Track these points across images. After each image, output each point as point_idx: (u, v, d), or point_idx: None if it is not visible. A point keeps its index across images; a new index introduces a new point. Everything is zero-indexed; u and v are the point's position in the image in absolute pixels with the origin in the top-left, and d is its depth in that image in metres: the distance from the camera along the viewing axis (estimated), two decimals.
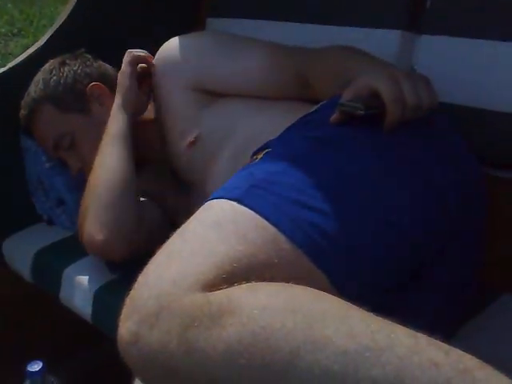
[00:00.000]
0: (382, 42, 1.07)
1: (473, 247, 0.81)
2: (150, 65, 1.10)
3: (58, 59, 1.18)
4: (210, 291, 0.57)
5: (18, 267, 1.21)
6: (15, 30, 3.61)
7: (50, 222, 1.27)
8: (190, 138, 1.04)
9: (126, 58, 1.10)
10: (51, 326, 1.28)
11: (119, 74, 1.10)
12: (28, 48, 1.30)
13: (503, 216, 0.96)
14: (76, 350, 1.28)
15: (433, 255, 0.75)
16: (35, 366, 0.94)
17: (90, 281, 1.06)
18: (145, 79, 1.11)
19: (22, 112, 1.16)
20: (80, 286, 1.07)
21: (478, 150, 0.83)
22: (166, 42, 1.09)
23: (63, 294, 1.10)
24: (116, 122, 1.06)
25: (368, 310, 0.56)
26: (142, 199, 1.08)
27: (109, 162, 1.01)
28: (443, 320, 0.79)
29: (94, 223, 0.96)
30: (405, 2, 1.10)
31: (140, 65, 1.10)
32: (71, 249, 1.15)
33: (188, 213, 0.69)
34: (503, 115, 0.97)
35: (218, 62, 1.04)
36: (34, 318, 1.27)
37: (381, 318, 0.55)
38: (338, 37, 1.00)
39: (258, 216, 0.64)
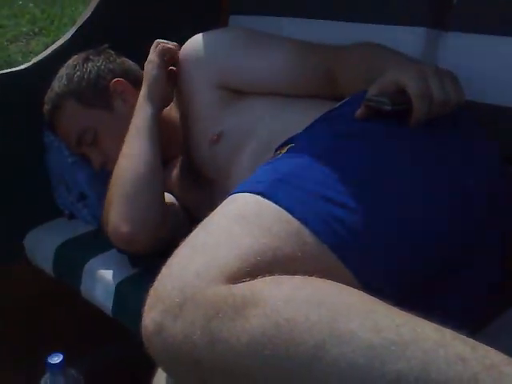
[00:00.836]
0: (407, 39, 1.06)
1: (499, 247, 0.80)
2: (177, 58, 1.10)
3: (82, 55, 1.19)
4: (234, 283, 0.57)
5: (39, 261, 1.22)
6: (37, 29, 3.65)
7: (71, 217, 1.28)
8: (214, 136, 1.04)
9: (155, 48, 1.09)
10: (72, 320, 1.28)
11: (146, 64, 1.09)
12: (49, 47, 1.31)
13: None
14: (96, 343, 1.28)
15: (458, 256, 0.74)
16: (55, 359, 0.95)
17: (111, 275, 1.07)
18: (172, 71, 1.10)
19: (46, 107, 1.17)
20: (101, 280, 1.07)
21: (505, 149, 0.82)
22: (191, 38, 1.09)
23: (84, 288, 1.11)
24: (142, 112, 1.05)
25: (392, 305, 0.56)
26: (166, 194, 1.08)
27: (134, 152, 1.01)
28: (469, 320, 0.78)
29: (119, 214, 0.96)
30: None
31: (168, 55, 1.09)
32: (92, 243, 1.17)
33: (210, 210, 0.69)
34: None
35: (244, 60, 1.04)
36: (56, 312, 1.28)
37: (405, 313, 0.55)
38: (362, 34, 0.99)
39: (282, 209, 0.64)
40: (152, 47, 1.10)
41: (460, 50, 1.05)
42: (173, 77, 1.10)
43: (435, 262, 0.72)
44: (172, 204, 1.10)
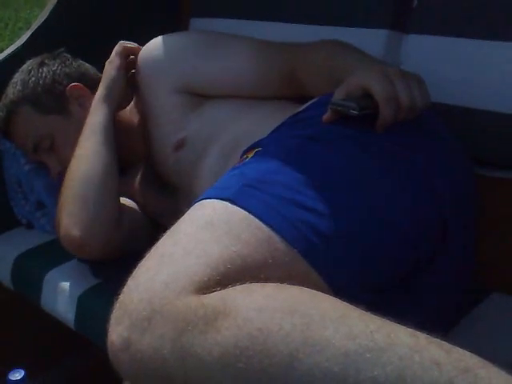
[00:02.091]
0: (369, 41, 1.06)
1: (464, 247, 0.80)
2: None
3: (37, 59, 1.15)
4: (204, 293, 0.56)
5: None
6: None
7: (29, 226, 1.24)
8: (177, 141, 1.02)
9: (117, 49, 1.07)
10: (33, 334, 1.25)
11: (106, 63, 1.08)
12: (3, 51, 1.27)
13: (494, 216, 0.95)
14: (59, 357, 1.25)
15: (426, 258, 0.74)
16: (17, 375, 0.91)
17: (72, 286, 1.03)
18: (132, 73, 1.08)
19: (0, 114, 1.13)
20: (62, 292, 1.04)
21: (469, 149, 0.83)
22: (150, 42, 1.06)
23: (45, 300, 1.07)
24: (97, 113, 1.03)
25: (364, 310, 0.55)
26: (122, 198, 1.05)
27: (86, 154, 0.98)
28: (436, 320, 0.79)
29: (69, 217, 0.93)
30: (391, 1, 1.10)
31: (131, 57, 1.08)
32: (52, 253, 1.13)
33: (174, 216, 0.67)
34: (491, 114, 0.97)
35: (205, 63, 1.02)
36: (15, 326, 1.24)
37: (379, 318, 0.54)
38: (324, 36, 0.98)
39: (251, 216, 0.63)
40: (115, 48, 1.08)
41: (421, 51, 1.06)
42: (133, 78, 1.08)
43: (404, 262, 0.72)
44: (130, 208, 1.07)
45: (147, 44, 1.07)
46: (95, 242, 0.94)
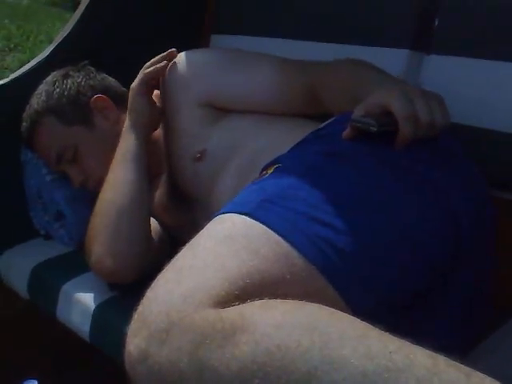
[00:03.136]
0: (390, 60, 1.06)
1: (484, 269, 0.80)
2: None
3: (61, 71, 1.17)
4: (222, 307, 0.55)
5: (13, 283, 1.18)
6: (12, 45, 3.61)
7: (47, 237, 1.25)
8: (197, 154, 1.03)
9: (139, 76, 1.08)
10: (47, 345, 1.24)
11: (130, 91, 1.08)
12: (25, 63, 1.29)
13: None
14: (72, 369, 1.24)
15: (445, 276, 0.74)
16: None
17: (88, 298, 1.03)
18: (157, 95, 1.10)
19: (24, 124, 1.14)
20: (78, 304, 1.04)
21: (486, 171, 0.82)
22: (176, 58, 1.08)
23: (60, 312, 1.07)
24: (127, 140, 1.04)
25: (383, 330, 0.54)
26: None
27: (118, 182, 0.99)
28: (455, 341, 0.78)
29: (102, 247, 0.95)
30: (412, 20, 1.10)
31: (153, 80, 1.08)
32: (69, 265, 1.13)
33: (192, 230, 0.67)
34: None
35: (228, 79, 1.03)
36: (30, 336, 1.24)
37: (398, 338, 0.54)
38: (345, 55, 0.98)
39: (270, 231, 0.62)
40: (138, 76, 1.08)
41: (442, 72, 1.06)
42: (159, 101, 1.09)
43: (423, 281, 0.71)
44: (156, 231, 1.08)
45: (174, 60, 1.08)
46: (128, 271, 0.96)
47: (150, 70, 1.07)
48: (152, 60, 1.08)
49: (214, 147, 1.02)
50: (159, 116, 1.09)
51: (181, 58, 1.07)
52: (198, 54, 1.09)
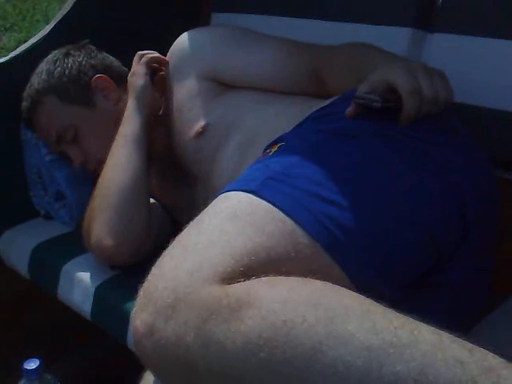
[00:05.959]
0: (392, 39, 1.06)
1: (484, 249, 0.80)
2: (164, 63, 1.09)
3: (62, 50, 1.15)
4: (228, 284, 0.56)
5: (14, 263, 1.18)
6: (8, 25, 3.57)
7: (47, 217, 1.24)
8: (198, 128, 1.02)
9: (139, 60, 1.08)
10: (48, 324, 1.25)
11: (129, 76, 1.09)
12: (21, 42, 1.27)
13: None
14: (74, 347, 1.25)
15: (447, 255, 0.74)
16: (32, 364, 0.91)
17: (89, 278, 1.04)
18: (158, 79, 1.09)
19: (24, 103, 1.13)
20: (79, 283, 1.04)
21: (488, 150, 0.82)
22: (179, 37, 1.08)
23: (61, 291, 1.07)
24: (130, 122, 1.04)
25: (387, 307, 0.55)
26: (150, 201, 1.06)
27: (119, 162, 0.99)
28: (454, 319, 0.78)
29: (103, 227, 0.94)
30: None
31: (153, 64, 1.09)
32: (70, 244, 1.13)
33: (192, 209, 0.67)
34: None
35: (232, 53, 1.03)
36: (31, 316, 1.24)
37: (402, 315, 0.54)
38: (348, 33, 0.99)
39: (275, 208, 0.63)
40: (135, 59, 1.09)
41: (445, 51, 1.05)
42: (160, 83, 1.09)
43: (426, 259, 0.72)
44: (157, 211, 1.08)
45: (178, 38, 1.08)
46: (128, 251, 0.95)
47: (152, 54, 1.08)
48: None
49: (215, 122, 1.01)
50: (160, 98, 1.09)
51: (186, 35, 1.07)
52: (203, 31, 1.09)
